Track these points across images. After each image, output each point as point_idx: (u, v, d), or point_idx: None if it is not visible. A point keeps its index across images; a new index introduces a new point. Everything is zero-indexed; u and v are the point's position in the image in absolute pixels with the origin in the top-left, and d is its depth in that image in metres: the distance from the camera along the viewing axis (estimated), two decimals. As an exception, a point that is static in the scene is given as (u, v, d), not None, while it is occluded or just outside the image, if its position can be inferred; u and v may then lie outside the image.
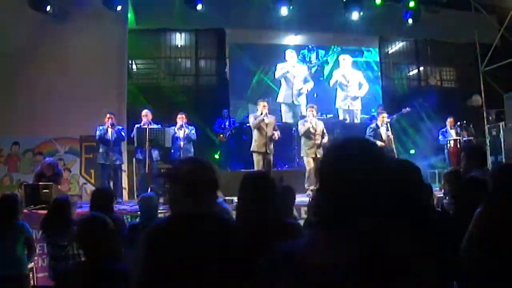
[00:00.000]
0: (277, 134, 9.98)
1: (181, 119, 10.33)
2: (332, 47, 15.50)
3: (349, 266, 1.36)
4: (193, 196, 2.19)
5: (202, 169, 2.29)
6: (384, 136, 10.58)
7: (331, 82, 15.10)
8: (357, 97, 15.00)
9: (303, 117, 11.60)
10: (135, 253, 2.14)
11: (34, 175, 9.37)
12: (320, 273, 1.39)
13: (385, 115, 10.96)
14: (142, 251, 2.10)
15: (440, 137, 11.69)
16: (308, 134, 10.11)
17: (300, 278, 1.42)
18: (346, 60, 15.21)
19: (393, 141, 10.67)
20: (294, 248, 1.53)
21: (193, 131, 10.37)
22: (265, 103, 10.07)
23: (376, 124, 10.82)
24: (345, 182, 1.46)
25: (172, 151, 10.17)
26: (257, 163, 9.82)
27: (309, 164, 10.04)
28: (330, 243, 1.44)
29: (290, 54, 14.83)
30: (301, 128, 10.21)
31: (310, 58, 15.35)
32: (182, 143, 10.13)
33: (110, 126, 9.77)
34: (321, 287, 1.39)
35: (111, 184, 9.79)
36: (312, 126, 10.07)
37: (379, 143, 10.57)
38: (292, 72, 14.75)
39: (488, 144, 12.96)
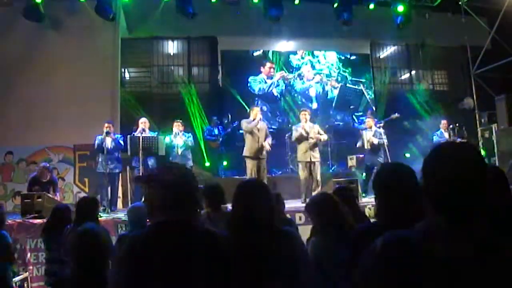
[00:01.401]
0: (268, 143, 9.87)
1: (177, 126, 10.31)
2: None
3: (467, 261, 1.42)
4: (174, 204, 2.15)
5: (182, 176, 2.25)
6: (368, 140, 10.68)
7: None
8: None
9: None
10: (113, 263, 2.10)
11: (29, 180, 9.34)
12: (439, 262, 1.44)
13: (369, 119, 11.05)
14: (122, 262, 2.07)
15: (435, 137, 11.77)
16: (302, 139, 10.06)
17: (415, 264, 1.45)
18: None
19: (381, 145, 10.70)
20: (410, 235, 1.55)
21: (191, 138, 10.38)
22: (258, 109, 10.05)
23: (364, 129, 11.00)
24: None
25: (170, 158, 10.16)
26: (250, 168, 9.74)
27: (303, 172, 9.97)
28: (453, 237, 1.48)
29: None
30: (294, 134, 10.16)
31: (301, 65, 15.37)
32: (180, 150, 10.12)
33: (107, 135, 9.75)
34: (437, 276, 1.43)
35: (109, 192, 9.76)
36: (305, 130, 10.08)
37: (359, 144, 10.70)
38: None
39: (481, 146, 13.02)
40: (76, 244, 3.20)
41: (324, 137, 10.24)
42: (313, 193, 9.61)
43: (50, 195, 8.73)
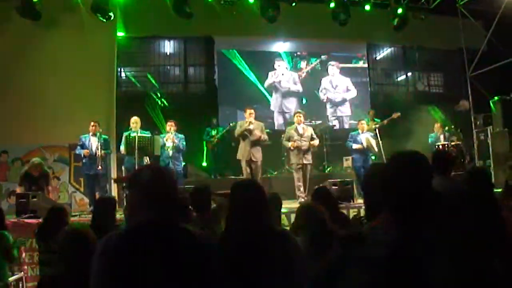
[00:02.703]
0: (259, 136, 9.81)
1: (170, 126, 10.28)
2: (320, 55, 15.58)
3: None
4: (151, 205, 2.13)
5: (161, 177, 2.23)
6: (364, 141, 10.69)
7: (320, 89, 15.25)
8: (344, 101, 15.18)
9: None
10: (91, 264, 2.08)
11: (20, 176, 9.28)
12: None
13: (363, 123, 11.10)
14: (96, 261, 2.06)
15: (430, 139, 11.83)
16: (293, 140, 10.11)
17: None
18: (334, 66, 15.33)
19: (375, 146, 10.72)
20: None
21: (183, 141, 10.29)
22: (252, 111, 10.01)
23: (357, 131, 11.01)
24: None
25: (161, 159, 10.12)
26: (245, 170, 9.86)
27: (297, 172, 10.01)
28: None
29: (278, 63, 14.98)
30: (284, 136, 10.40)
31: (300, 65, 15.42)
32: (171, 152, 10.08)
33: (93, 135, 9.75)
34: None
35: (96, 193, 9.73)
36: (298, 132, 10.10)
37: (355, 146, 10.68)
38: (281, 79, 14.86)
39: (476, 148, 13.07)
40: (63, 245, 3.20)
41: (316, 142, 10.29)
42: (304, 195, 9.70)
43: (45, 193, 8.77)
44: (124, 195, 8.78)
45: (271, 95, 14.93)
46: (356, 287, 1.70)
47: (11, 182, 11.19)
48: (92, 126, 9.83)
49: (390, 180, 1.92)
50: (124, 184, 8.92)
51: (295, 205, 8.45)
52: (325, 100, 15.28)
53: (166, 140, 10.10)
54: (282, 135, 10.89)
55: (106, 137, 10.18)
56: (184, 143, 10.31)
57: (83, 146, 9.81)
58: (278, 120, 14.81)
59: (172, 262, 2.02)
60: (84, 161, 9.86)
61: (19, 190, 9.05)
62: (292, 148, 10.00)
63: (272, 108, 14.85)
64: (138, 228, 2.13)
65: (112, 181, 10.92)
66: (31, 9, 11.28)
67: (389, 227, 1.70)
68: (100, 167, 9.69)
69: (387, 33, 14.13)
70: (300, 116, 10.29)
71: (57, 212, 5.44)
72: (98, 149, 9.71)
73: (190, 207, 4.76)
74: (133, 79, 14.45)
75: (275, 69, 14.99)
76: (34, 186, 9.13)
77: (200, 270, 2.07)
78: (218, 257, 2.22)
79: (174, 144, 10.06)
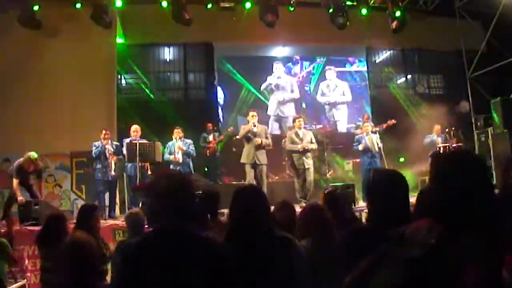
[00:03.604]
0: (261, 141, 9.80)
1: (177, 133, 10.34)
2: (317, 58, 15.62)
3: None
4: (169, 213, 2.14)
5: (177, 184, 2.23)
6: (369, 144, 10.74)
7: (318, 94, 15.30)
8: (340, 104, 15.27)
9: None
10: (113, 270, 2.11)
11: (14, 169, 9.15)
12: None
13: (367, 125, 11.19)
14: (118, 269, 2.08)
15: (426, 140, 11.77)
16: (294, 145, 10.19)
17: None
18: (331, 70, 15.41)
19: (380, 149, 10.78)
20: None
21: (192, 146, 10.39)
22: (255, 113, 10.04)
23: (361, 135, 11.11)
24: None
25: (171, 166, 10.17)
26: (248, 174, 9.82)
27: (297, 178, 10.11)
28: None
29: (277, 66, 15.01)
30: (287, 147, 10.47)
31: (299, 69, 15.45)
32: (180, 158, 10.16)
33: (105, 141, 9.77)
34: None
35: (107, 199, 9.76)
36: (299, 136, 10.16)
37: (360, 147, 10.75)
38: (279, 83, 14.91)
39: (477, 149, 13.04)
40: (64, 255, 3.21)
41: (313, 146, 10.38)
42: (308, 198, 9.72)
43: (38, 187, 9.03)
44: (141, 203, 8.80)
45: (267, 100, 14.93)
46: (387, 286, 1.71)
47: (13, 190, 11.22)
48: (104, 134, 9.81)
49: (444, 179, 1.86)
50: (142, 192, 8.93)
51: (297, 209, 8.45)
52: (326, 103, 15.29)
53: (175, 146, 10.18)
54: (283, 140, 10.90)
55: (118, 143, 10.22)
56: (193, 148, 10.43)
57: (97, 153, 9.76)
58: (274, 125, 14.79)
59: (189, 270, 2.04)
60: (98, 166, 9.82)
61: (15, 183, 9.05)
62: (301, 149, 10.06)
63: (268, 112, 14.80)
64: (156, 236, 2.15)
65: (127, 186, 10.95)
66: (32, 18, 11.36)
67: (430, 229, 1.70)
68: (113, 173, 9.74)
69: (386, 36, 14.14)
70: (300, 121, 10.35)
71: (56, 219, 5.46)
72: (111, 154, 9.75)
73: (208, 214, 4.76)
74: (133, 86, 14.49)
75: (273, 72, 15.02)
76: (27, 180, 9.21)
77: (217, 278, 2.08)
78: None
79: (183, 151, 10.14)
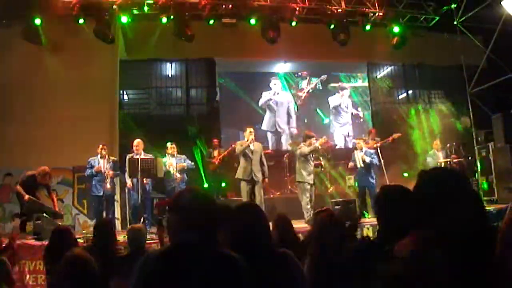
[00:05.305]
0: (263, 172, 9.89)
1: (171, 149, 10.42)
2: (321, 74, 15.70)
3: None
4: (192, 226, 2.17)
5: (202, 200, 2.28)
6: (357, 160, 10.83)
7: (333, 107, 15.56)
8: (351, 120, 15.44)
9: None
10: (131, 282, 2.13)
11: (26, 176, 9.30)
12: None
13: (360, 141, 11.30)
14: (137, 280, 2.10)
15: (428, 157, 11.82)
16: (309, 158, 10.12)
17: None
18: (346, 90, 15.70)
19: (372, 165, 10.83)
20: None
21: (188, 160, 10.50)
22: (251, 130, 10.04)
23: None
24: None
25: (168, 182, 10.20)
26: (243, 190, 9.75)
27: (305, 191, 9.93)
28: None
29: (274, 82, 15.11)
30: (305, 150, 10.04)
31: (301, 85, 15.53)
32: (177, 174, 10.21)
33: (102, 156, 9.79)
34: None
35: (104, 215, 9.75)
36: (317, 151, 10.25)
37: (350, 164, 10.92)
38: (276, 100, 14.98)
39: (478, 164, 13.04)
40: (64, 272, 3.22)
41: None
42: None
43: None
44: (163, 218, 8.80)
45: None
46: None
47: (16, 204, 11.21)
48: (101, 148, 9.85)
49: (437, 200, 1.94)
50: (166, 208, 8.93)
51: (300, 224, 8.45)
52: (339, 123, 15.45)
53: (168, 167, 10.23)
54: (297, 147, 10.65)
55: (116, 159, 10.23)
56: (189, 161, 10.51)
57: (92, 168, 9.81)
58: (271, 140, 14.85)
59: (209, 285, 2.06)
60: (93, 182, 9.85)
61: (19, 188, 9.20)
62: (323, 141, 10.24)
63: (263, 127, 14.86)
64: (176, 250, 2.18)
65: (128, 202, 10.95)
66: (35, 33, 11.41)
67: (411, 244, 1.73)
68: (109, 186, 9.73)
69: (387, 51, 14.22)
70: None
71: (62, 233, 5.44)
72: (107, 169, 9.75)
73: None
74: (135, 101, 14.54)
75: (271, 88, 15.10)
76: (34, 191, 9.29)
77: None
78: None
79: (178, 168, 10.18)
